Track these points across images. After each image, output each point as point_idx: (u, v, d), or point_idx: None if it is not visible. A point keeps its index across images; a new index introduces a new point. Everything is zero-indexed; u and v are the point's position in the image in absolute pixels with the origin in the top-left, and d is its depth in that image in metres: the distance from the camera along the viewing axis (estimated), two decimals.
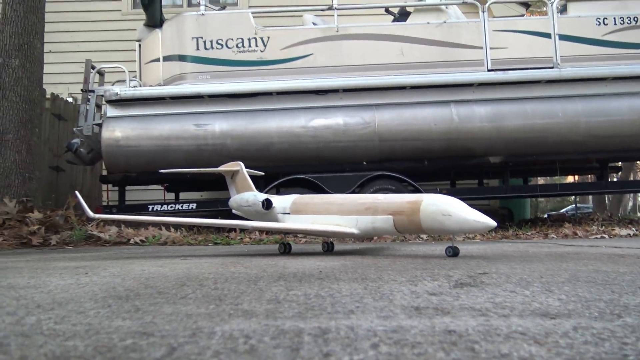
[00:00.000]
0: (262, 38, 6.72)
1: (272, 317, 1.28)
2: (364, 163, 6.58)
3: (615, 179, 13.90)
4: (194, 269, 2.57)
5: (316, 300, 1.54)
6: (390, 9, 7.80)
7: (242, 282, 1.99)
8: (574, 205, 22.35)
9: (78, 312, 1.40)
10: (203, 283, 1.99)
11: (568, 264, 2.54)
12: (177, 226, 6.19)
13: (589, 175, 10.76)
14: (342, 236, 3.65)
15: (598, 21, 6.76)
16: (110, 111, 6.75)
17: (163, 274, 2.37)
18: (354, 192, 6.14)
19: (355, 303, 1.48)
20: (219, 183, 6.13)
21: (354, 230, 3.36)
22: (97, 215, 3.93)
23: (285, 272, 2.36)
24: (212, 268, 2.61)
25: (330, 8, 6.91)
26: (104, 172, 7.32)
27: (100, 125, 6.74)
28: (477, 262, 2.68)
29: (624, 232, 5.80)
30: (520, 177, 8.51)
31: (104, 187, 8.37)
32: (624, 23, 6.78)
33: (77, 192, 3.82)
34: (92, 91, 6.96)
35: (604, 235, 5.60)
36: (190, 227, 6.61)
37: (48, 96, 8.20)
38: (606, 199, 21.08)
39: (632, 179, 20.88)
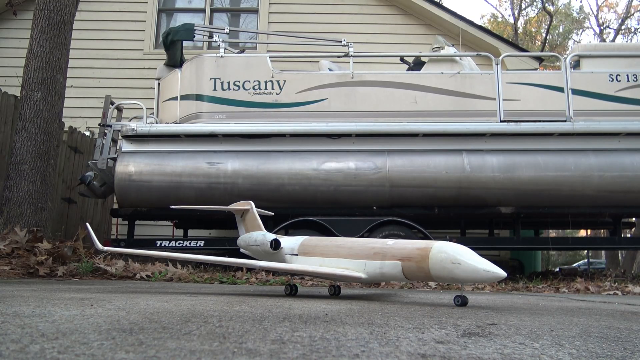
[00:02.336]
0: (278, 81, 6.87)
1: (276, 357, 1.27)
2: (374, 208, 6.57)
3: (628, 235, 13.71)
4: (199, 306, 2.54)
5: (321, 342, 1.52)
6: (405, 58, 7.97)
7: (246, 321, 1.96)
8: (586, 259, 22.01)
9: (82, 342, 1.39)
10: (208, 320, 1.97)
11: (579, 318, 2.49)
12: (183, 263, 6.17)
13: (602, 230, 10.64)
14: (350, 280, 3.61)
15: (611, 77, 6.83)
16: (126, 146, 6.86)
17: (168, 309, 2.35)
18: (362, 236, 6.11)
19: (360, 347, 1.45)
20: (228, 221, 6.15)
21: (362, 275, 3.32)
22: (106, 248, 3.93)
23: (290, 313, 2.33)
24: (217, 306, 2.59)
25: (347, 55, 7.08)
26: (115, 206, 7.37)
27: (114, 160, 6.83)
28: (486, 313, 2.62)
29: (637, 289, 5.67)
30: (531, 229, 8.43)
31: (114, 220, 8.42)
32: (636, 80, 6.84)
33: (87, 224, 3.85)
34: (110, 126, 7.10)
35: (617, 291, 5.48)
36: (196, 265, 6.58)
37: (66, 129, 8.37)
38: (619, 255, 20.72)
39: None
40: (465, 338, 1.68)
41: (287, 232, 6.34)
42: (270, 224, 5.98)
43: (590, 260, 20.99)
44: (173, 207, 5.35)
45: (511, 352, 1.46)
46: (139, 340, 1.46)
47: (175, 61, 7.59)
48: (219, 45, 7.11)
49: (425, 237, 6.16)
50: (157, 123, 7.13)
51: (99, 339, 1.45)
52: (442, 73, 6.91)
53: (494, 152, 6.57)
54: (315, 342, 1.52)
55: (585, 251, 18.54)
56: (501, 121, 6.66)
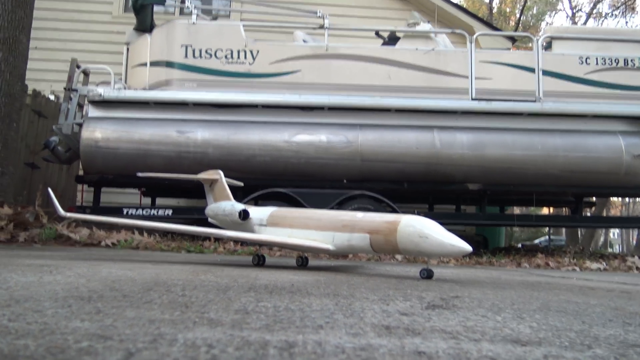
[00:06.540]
0: (251, 51, 6.72)
1: (238, 328, 1.24)
2: (345, 181, 6.58)
3: (588, 214, 14.13)
4: (163, 275, 2.50)
5: (285, 313, 1.51)
6: (380, 32, 7.89)
7: (211, 291, 1.94)
8: (547, 236, 22.64)
9: (35, 310, 1.34)
10: (170, 289, 1.93)
11: (540, 292, 2.55)
12: (150, 231, 6.09)
13: (564, 209, 10.95)
14: (318, 251, 3.62)
15: (581, 60, 6.91)
16: (92, 112, 6.67)
17: (130, 277, 2.31)
18: (332, 209, 6.12)
19: (325, 318, 1.44)
20: (197, 191, 6.05)
21: (330, 247, 3.33)
22: (69, 214, 3.82)
23: (256, 283, 2.31)
24: (182, 275, 2.55)
25: (322, 27, 6.95)
26: (80, 172, 7.19)
27: (80, 125, 6.63)
28: (450, 286, 2.66)
29: (594, 265, 5.87)
30: (497, 206, 8.59)
31: (79, 187, 8.22)
32: (605, 64, 6.94)
33: (49, 189, 3.72)
34: (75, 90, 6.86)
35: (575, 267, 5.66)
36: (164, 233, 6.50)
37: (30, 92, 8.06)
38: (579, 232, 21.39)
39: (605, 214, 21.24)
40: (429, 310, 1.70)
41: (256, 203, 6.30)
42: (239, 195, 5.91)
43: (551, 237, 21.60)
44: (140, 174, 5.23)
45: (474, 324, 1.47)
46: (96, 308, 1.41)
47: (145, 26, 7.33)
48: (191, 12, 6.89)
49: (394, 211, 6.21)
50: (125, 89, 6.92)
51: (54, 307, 1.40)
52: (416, 49, 6.87)
53: (464, 130, 6.62)
54: (280, 312, 1.51)
55: (547, 228, 19.06)
56: (473, 99, 6.69)
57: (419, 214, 5.74)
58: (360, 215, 3.40)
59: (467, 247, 2.86)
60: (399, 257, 5.50)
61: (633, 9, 25.54)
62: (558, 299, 2.29)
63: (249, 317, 1.41)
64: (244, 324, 1.30)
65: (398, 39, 7.40)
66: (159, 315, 1.36)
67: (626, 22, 25.31)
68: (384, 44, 7.61)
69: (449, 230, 3.01)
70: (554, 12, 30.23)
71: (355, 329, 1.30)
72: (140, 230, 5.92)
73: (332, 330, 1.28)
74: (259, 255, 3.76)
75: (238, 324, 1.29)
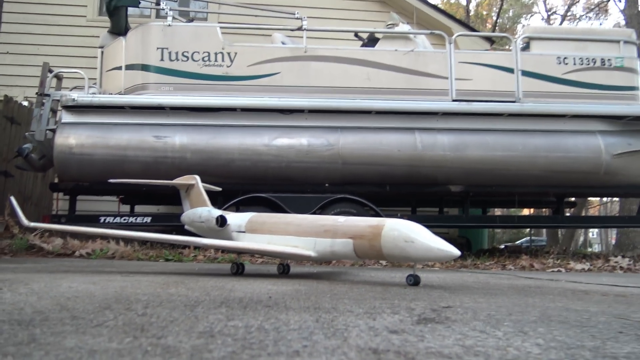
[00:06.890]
0: (229, 53, 6.60)
1: (196, 358, 1.07)
2: (326, 185, 6.48)
3: (568, 214, 14.26)
4: (129, 288, 2.33)
5: (257, 334, 1.35)
6: (359, 34, 7.83)
7: (177, 307, 1.78)
8: (528, 237, 22.85)
9: None
10: (131, 307, 1.76)
11: (534, 299, 2.44)
12: (128, 240, 5.90)
13: (544, 209, 11.02)
14: (298, 259, 3.50)
15: (559, 60, 6.93)
16: (66, 117, 6.46)
17: (91, 292, 2.13)
18: (314, 213, 6.01)
19: (302, 341, 1.29)
20: (177, 197, 5.91)
21: (311, 253, 3.22)
22: (33, 224, 3.57)
23: (230, 296, 2.16)
24: (150, 288, 2.38)
25: (300, 29, 6.85)
26: (55, 180, 6.98)
27: (54, 131, 6.43)
28: (440, 294, 2.56)
29: (579, 266, 5.86)
30: (479, 208, 8.57)
31: (55, 195, 7.98)
32: (582, 63, 6.97)
33: (12, 198, 3.51)
34: (48, 95, 6.65)
35: (560, 268, 5.63)
36: (142, 242, 6.32)
37: (1, 98, 7.81)
38: (559, 232, 21.62)
39: (583, 214, 21.50)
40: (421, 325, 1.57)
41: (237, 208, 6.16)
42: (220, 200, 5.79)
43: (533, 237, 21.81)
44: (112, 180, 5.06)
45: (473, 343, 1.33)
46: (31, 336, 1.22)
47: (119, 28, 7.15)
48: (167, 14, 6.74)
49: (377, 215, 6.13)
50: (100, 93, 6.74)
51: None
52: (395, 50, 6.82)
53: (445, 131, 6.58)
54: (251, 334, 1.35)
55: (528, 229, 19.24)
56: (453, 100, 6.66)
57: (402, 217, 5.68)
58: (342, 219, 3.29)
59: (456, 252, 2.76)
60: (383, 261, 5.42)
61: (606, 11, 26.03)
62: (555, 306, 2.18)
63: (213, 341, 1.23)
64: (206, 352, 1.13)
65: (377, 40, 7.33)
66: (104, 343, 1.17)
67: (600, 24, 25.76)
68: (363, 45, 7.55)
69: (433, 233, 2.92)
70: (529, 14, 30.64)
71: (337, 355, 1.15)
72: (117, 238, 5.73)
73: (310, 357, 1.13)
74: (238, 264, 3.63)
75: (198, 353, 1.11)
